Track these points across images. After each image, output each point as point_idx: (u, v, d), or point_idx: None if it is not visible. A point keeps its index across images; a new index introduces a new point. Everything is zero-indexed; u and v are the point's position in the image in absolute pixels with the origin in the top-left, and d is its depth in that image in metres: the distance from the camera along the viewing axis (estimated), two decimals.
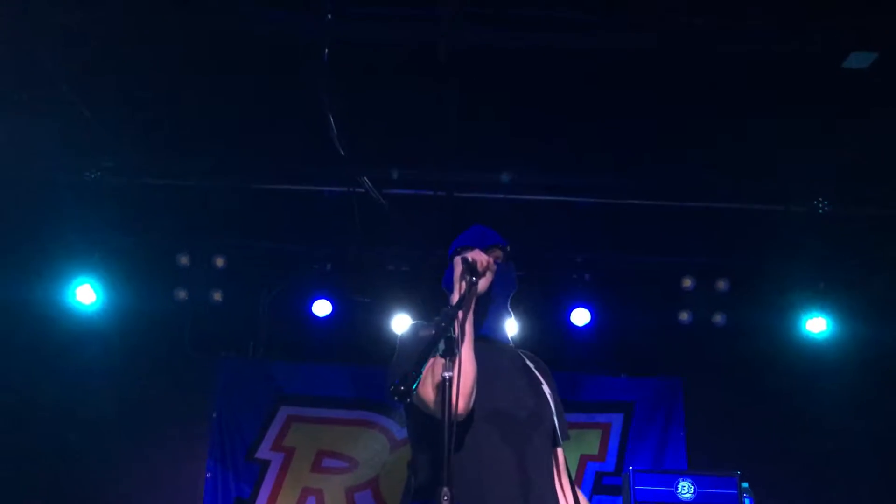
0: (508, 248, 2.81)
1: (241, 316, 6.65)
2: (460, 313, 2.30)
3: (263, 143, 5.43)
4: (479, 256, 2.48)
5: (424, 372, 2.34)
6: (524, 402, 2.57)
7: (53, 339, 6.34)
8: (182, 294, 6.32)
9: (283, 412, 6.75)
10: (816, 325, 6.23)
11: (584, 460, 6.71)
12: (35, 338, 6.33)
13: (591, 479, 6.64)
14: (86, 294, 6.10)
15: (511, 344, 2.84)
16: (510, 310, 2.83)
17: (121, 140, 5.39)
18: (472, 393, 2.40)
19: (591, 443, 6.74)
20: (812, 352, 6.33)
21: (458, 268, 2.46)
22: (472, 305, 2.43)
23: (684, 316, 6.36)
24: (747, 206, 5.74)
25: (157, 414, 6.37)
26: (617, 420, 6.76)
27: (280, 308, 6.65)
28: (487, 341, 2.62)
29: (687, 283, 6.30)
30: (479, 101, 4.90)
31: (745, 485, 4.98)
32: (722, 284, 6.29)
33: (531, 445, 2.42)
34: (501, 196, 5.77)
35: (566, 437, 2.75)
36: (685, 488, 4.82)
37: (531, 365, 2.73)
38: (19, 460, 5.48)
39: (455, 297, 2.43)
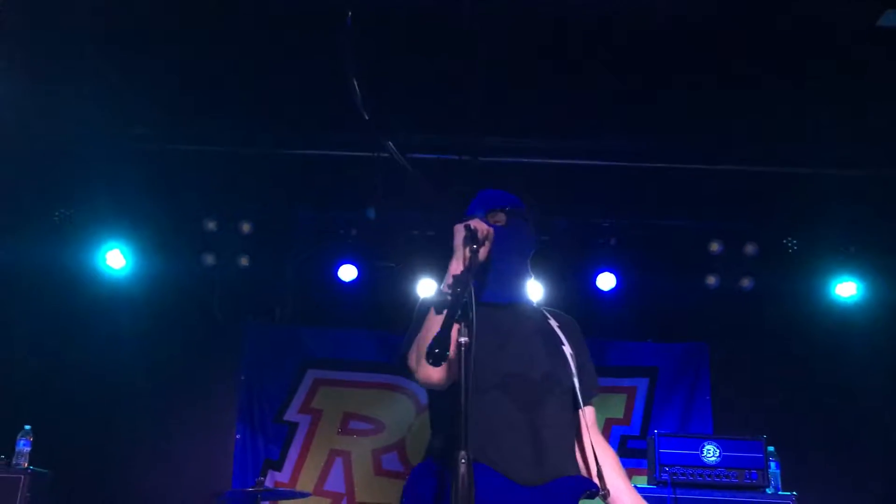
0: (512, 209, 2.75)
1: (267, 281, 6.71)
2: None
3: (289, 109, 5.42)
4: (478, 225, 2.47)
5: (412, 346, 2.43)
6: (538, 364, 2.54)
7: (83, 304, 6.44)
8: (209, 259, 6.38)
9: (310, 375, 6.84)
10: (846, 289, 6.17)
11: (610, 424, 6.74)
12: (65, 302, 6.43)
13: (616, 443, 6.66)
14: (115, 259, 6.19)
15: (531, 305, 2.80)
16: (530, 270, 2.78)
17: (149, 107, 5.41)
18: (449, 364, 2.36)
19: (616, 407, 6.76)
20: (841, 316, 6.27)
21: (460, 234, 2.46)
22: (473, 273, 2.41)
23: (711, 280, 6.32)
24: (776, 168, 5.65)
25: (185, 378, 6.48)
26: (642, 384, 6.76)
27: (306, 273, 6.70)
28: (495, 307, 2.59)
29: (714, 247, 6.25)
30: (504, 64, 4.85)
31: (770, 449, 4.98)
32: (750, 248, 6.23)
33: (546, 408, 2.39)
34: (526, 160, 5.73)
35: (592, 396, 2.72)
36: (710, 452, 4.82)
37: (555, 324, 2.68)
38: (49, 423, 5.59)
39: (458, 265, 2.43)
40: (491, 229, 2.51)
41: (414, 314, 2.69)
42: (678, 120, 5.27)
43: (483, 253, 2.45)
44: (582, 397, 2.55)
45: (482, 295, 2.55)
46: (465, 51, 4.72)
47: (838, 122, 5.17)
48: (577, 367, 2.57)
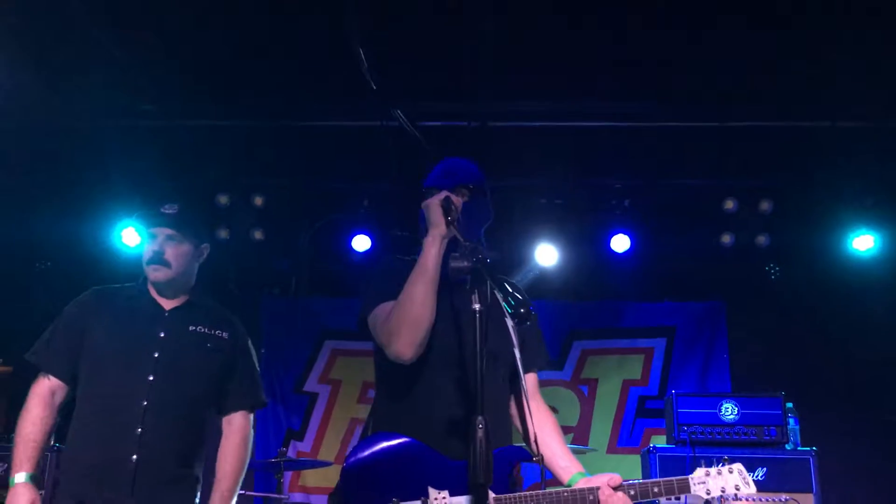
0: (475, 186, 2.82)
1: (282, 253, 6.73)
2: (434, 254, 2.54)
3: (296, 81, 5.40)
4: (455, 200, 2.61)
5: (385, 316, 2.60)
6: (467, 334, 2.57)
7: (99, 282, 6.47)
8: (223, 233, 6.41)
9: (328, 346, 6.89)
10: (863, 242, 6.11)
11: (627, 385, 6.76)
12: (82, 280, 6.46)
13: (634, 404, 6.69)
14: (131, 236, 6.22)
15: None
16: (484, 242, 2.87)
17: (157, 84, 5.40)
18: (418, 336, 2.56)
19: (633, 368, 6.78)
20: (859, 270, 6.22)
21: (437, 209, 2.58)
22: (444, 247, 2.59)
23: (727, 238, 6.28)
24: (791, 123, 5.58)
25: None
26: (659, 345, 6.77)
27: (320, 245, 6.71)
28: (447, 284, 2.65)
29: (729, 204, 6.20)
30: (511, 27, 4.79)
31: (789, 405, 4.98)
32: (765, 205, 6.17)
33: (485, 383, 2.36)
34: (536, 124, 5.68)
35: (536, 365, 2.88)
36: (729, 410, 4.83)
37: (500, 295, 2.75)
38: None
39: (436, 239, 2.57)
40: (460, 204, 2.63)
41: (375, 274, 2.82)
42: (688, 79, 5.20)
43: (452, 229, 2.56)
44: (523, 366, 2.63)
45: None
46: (471, 15, 4.67)
47: (853, 74, 5.08)
48: (520, 338, 2.62)
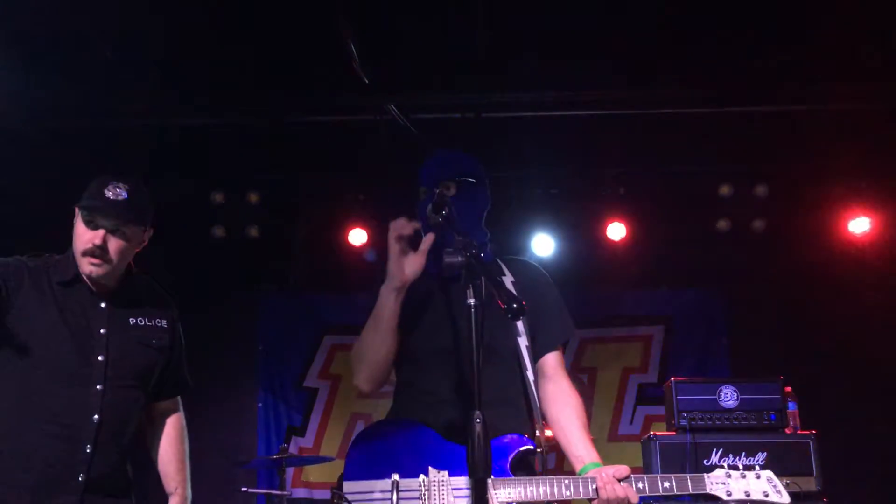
0: (461, 179, 2.81)
1: (278, 249, 6.72)
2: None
3: (289, 77, 5.39)
4: (405, 229, 2.62)
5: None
6: (464, 330, 2.54)
7: None
8: (219, 231, 6.40)
9: (328, 341, 6.90)
10: (859, 225, 6.12)
11: (627, 373, 6.78)
12: None
13: (634, 391, 6.71)
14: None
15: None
16: (484, 229, 2.86)
17: (147, 83, 5.37)
18: (374, 375, 2.72)
19: (632, 355, 6.80)
20: (856, 253, 6.23)
21: (396, 258, 2.64)
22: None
23: (723, 225, 6.28)
24: (782, 107, 5.58)
25: (204, 350, 6.47)
26: (658, 332, 6.79)
27: (316, 240, 6.71)
28: (443, 280, 2.69)
29: (724, 190, 6.20)
30: (502, 16, 4.78)
31: (788, 389, 4.98)
32: (760, 190, 6.18)
33: (484, 375, 2.34)
34: (530, 114, 5.68)
35: (554, 344, 2.84)
36: (728, 395, 4.83)
37: (510, 280, 2.74)
38: None
39: (397, 282, 2.64)
40: (418, 229, 2.64)
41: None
42: (681, 64, 5.20)
43: (416, 262, 2.61)
44: (539, 350, 2.66)
45: (432, 267, 2.67)
46: (462, 5, 4.66)
47: (846, 56, 5.08)
48: (529, 324, 2.63)
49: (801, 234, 6.30)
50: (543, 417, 2.75)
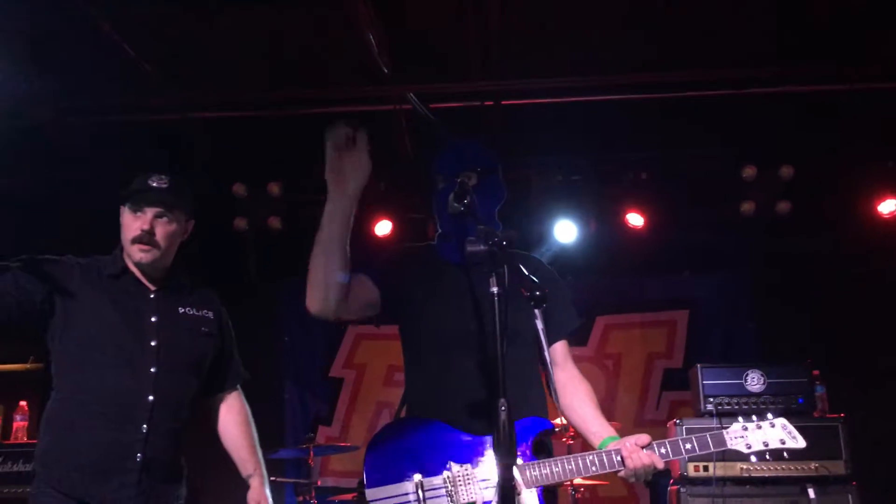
0: (483, 170, 2.83)
1: (301, 240, 6.73)
2: None
3: (309, 69, 5.39)
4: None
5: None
6: (486, 317, 2.64)
7: None
8: (242, 223, 6.43)
9: (352, 331, 6.92)
10: (887, 206, 6.04)
11: (652, 358, 6.75)
12: None
13: (659, 376, 6.68)
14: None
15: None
16: (497, 220, 2.88)
17: (168, 77, 5.40)
18: (321, 293, 2.60)
19: (657, 341, 6.77)
20: (883, 234, 6.15)
21: (333, 159, 2.62)
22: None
23: (747, 207, 6.22)
24: (807, 87, 5.50)
25: None
26: (682, 317, 6.75)
27: None
28: (461, 267, 2.74)
29: (748, 172, 6.13)
30: (520, 4, 4.75)
31: (816, 372, 4.94)
32: (786, 172, 6.10)
33: (505, 360, 2.43)
34: (549, 100, 5.64)
35: (563, 334, 2.90)
36: (754, 379, 4.80)
37: (525, 271, 2.73)
38: None
39: (338, 189, 2.66)
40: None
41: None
42: (702, 46, 5.14)
43: (357, 162, 2.61)
44: (548, 340, 2.68)
45: (453, 256, 2.74)
46: None
47: (874, 34, 5.00)
48: (544, 312, 2.65)
49: (828, 216, 6.22)
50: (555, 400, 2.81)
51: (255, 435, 3.23)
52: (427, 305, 2.75)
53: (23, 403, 5.27)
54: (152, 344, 2.90)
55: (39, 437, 2.86)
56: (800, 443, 2.61)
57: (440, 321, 2.75)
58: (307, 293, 2.61)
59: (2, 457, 4.79)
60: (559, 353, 2.89)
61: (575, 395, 2.81)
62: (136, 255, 2.93)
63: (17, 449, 4.81)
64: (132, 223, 2.94)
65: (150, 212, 2.94)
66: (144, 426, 2.81)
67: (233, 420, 3.21)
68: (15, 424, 5.06)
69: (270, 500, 3.12)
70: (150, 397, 2.84)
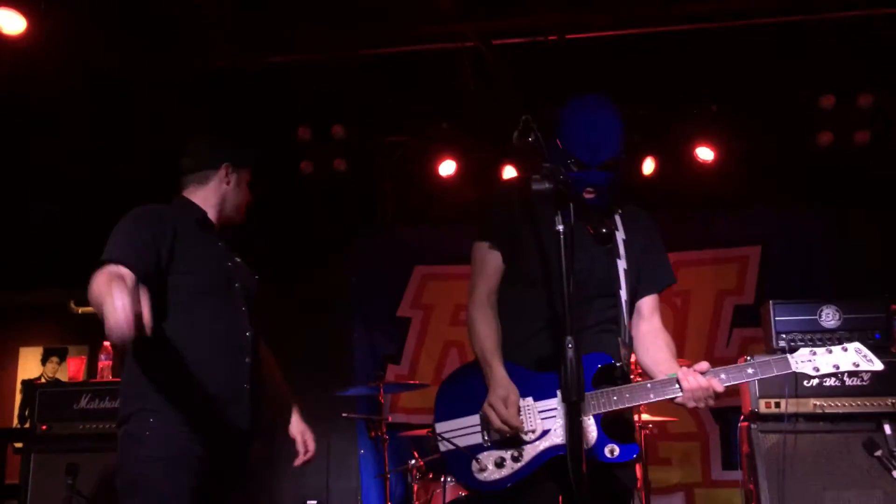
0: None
1: (366, 182, 6.79)
2: None
3: (370, 10, 5.35)
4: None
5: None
6: (590, 272, 2.70)
7: None
8: (307, 167, 6.49)
9: (418, 272, 6.99)
10: None
11: (723, 295, 6.64)
12: None
13: (730, 313, 6.58)
14: None
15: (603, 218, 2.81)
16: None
17: (229, 24, 5.43)
18: None
19: (728, 277, 6.64)
20: None
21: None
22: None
23: (824, 139, 5.99)
24: (887, 10, 5.22)
25: (298, 284, 6.66)
26: (754, 253, 6.60)
27: (404, 171, 6.74)
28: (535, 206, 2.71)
29: (825, 101, 5.89)
30: None
31: (894, 307, 4.79)
32: (864, 100, 5.84)
33: (587, 309, 2.59)
34: (616, 33, 5.49)
35: (651, 290, 2.90)
36: (829, 315, 4.68)
37: (622, 227, 2.80)
38: None
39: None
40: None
41: (488, 204, 2.98)
42: None
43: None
44: (640, 291, 2.79)
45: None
46: None
47: None
48: (635, 263, 2.74)
49: None
50: (634, 351, 2.87)
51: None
52: (504, 245, 2.84)
53: (107, 344, 5.49)
54: (236, 285, 3.10)
55: (142, 376, 2.87)
56: (876, 365, 2.51)
57: (519, 260, 2.80)
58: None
59: (90, 394, 5.03)
60: (648, 306, 2.90)
61: (654, 343, 2.84)
62: (242, 217, 3.24)
63: (104, 387, 5.03)
64: (248, 192, 3.26)
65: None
66: (248, 358, 3.03)
67: (266, 362, 3.33)
68: (100, 364, 5.27)
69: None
70: (248, 333, 3.06)
